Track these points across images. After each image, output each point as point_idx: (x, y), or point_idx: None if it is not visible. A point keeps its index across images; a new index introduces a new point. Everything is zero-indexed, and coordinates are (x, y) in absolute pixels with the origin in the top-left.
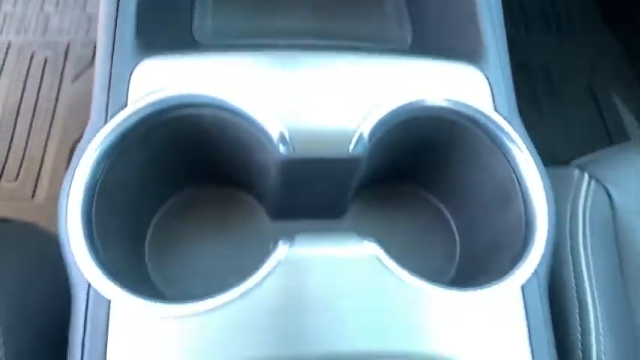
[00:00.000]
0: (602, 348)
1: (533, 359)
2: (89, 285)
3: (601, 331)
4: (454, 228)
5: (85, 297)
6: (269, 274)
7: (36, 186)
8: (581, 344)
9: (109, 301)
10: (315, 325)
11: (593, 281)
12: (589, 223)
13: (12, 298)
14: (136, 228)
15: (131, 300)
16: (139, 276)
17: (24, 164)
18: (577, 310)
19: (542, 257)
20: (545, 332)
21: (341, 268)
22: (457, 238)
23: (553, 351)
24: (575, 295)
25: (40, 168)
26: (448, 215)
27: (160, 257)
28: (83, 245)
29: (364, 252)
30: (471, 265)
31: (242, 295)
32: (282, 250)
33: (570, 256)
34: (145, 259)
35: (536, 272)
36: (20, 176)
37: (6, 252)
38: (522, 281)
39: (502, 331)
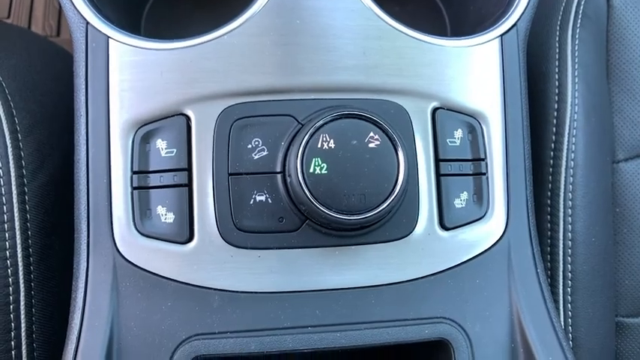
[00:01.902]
0: (575, 136)
1: (504, 105)
2: (87, 24)
3: (575, 121)
4: (444, 13)
5: (84, 37)
6: (255, 13)
7: (30, 21)
8: (555, 129)
9: (107, 39)
10: (304, 58)
11: (576, 73)
12: (582, 15)
13: (15, 71)
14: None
15: (128, 37)
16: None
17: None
18: (556, 98)
19: (524, 13)
20: (519, 85)
21: (331, 11)
22: (447, 24)
23: (525, 103)
24: (557, 84)
25: (32, 2)
26: (439, 3)
27: (156, 33)
28: None
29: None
30: None
31: (232, 30)
32: None
33: (557, 46)
34: (140, 29)
35: (516, 26)
36: (13, 11)
37: (5, 42)
38: (502, 31)
39: (479, 77)
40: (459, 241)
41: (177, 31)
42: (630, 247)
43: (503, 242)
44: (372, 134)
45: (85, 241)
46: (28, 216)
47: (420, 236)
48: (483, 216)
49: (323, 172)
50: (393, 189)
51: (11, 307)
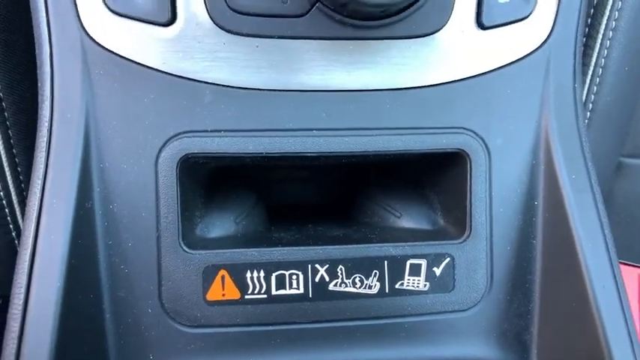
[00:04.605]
0: None
1: None
2: None
3: None
4: None
5: None
6: None
7: None
8: None
9: None
10: None
11: None
12: None
13: None
14: None
15: None
16: None
17: None
18: None
19: None
20: None
21: None
22: None
23: None
24: None
25: None
26: None
27: None
28: None
29: None
30: None
31: None
32: None
33: None
34: None
35: None
36: None
37: None
38: None
39: None
40: (496, 44)
41: None
42: None
43: (545, 49)
44: None
45: (45, 20)
46: None
47: (451, 34)
48: (528, 15)
49: None
50: None
51: None
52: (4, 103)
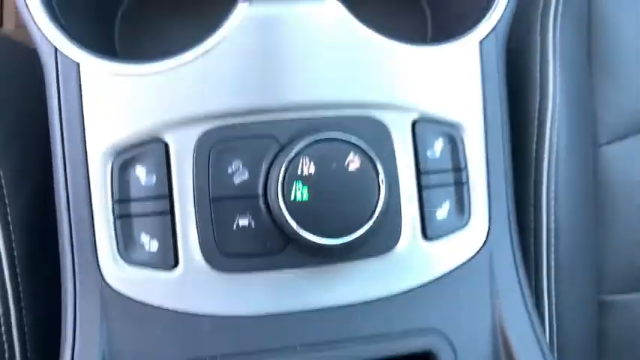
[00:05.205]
0: (557, 128)
1: (484, 112)
2: (56, 50)
3: (557, 113)
4: (428, 14)
5: (54, 63)
6: (230, 32)
7: (2, 16)
8: (537, 122)
9: (78, 65)
10: (281, 76)
11: (558, 65)
12: (562, 7)
13: None
14: (104, 5)
15: (100, 62)
16: (107, 51)
17: None
18: (538, 92)
19: (503, 14)
20: (499, 91)
21: (304, 25)
22: (429, 16)
23: (504, 108)
24: (538, 77)
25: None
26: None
27: (130, 36)
28: (44, 12)
29: (328, 10)
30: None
31: (207, 52)
32: (242, 8)
33: (539, 37)
34: (114, 39)
35: (495, 30)
36: None
37: None
38: (481, 36)
39: (458, 85)
40: (442, 252)
41: (154, 35)
42: (613, 227)
43: (485, 251)
44: (351, 156)
45: (71, 273)
46: (12, 237)
47: (404, 249)
48: (465, 225)
49: (304, 197)
50: (374, 210)
51: (4, 337)
52: (25, 328)
